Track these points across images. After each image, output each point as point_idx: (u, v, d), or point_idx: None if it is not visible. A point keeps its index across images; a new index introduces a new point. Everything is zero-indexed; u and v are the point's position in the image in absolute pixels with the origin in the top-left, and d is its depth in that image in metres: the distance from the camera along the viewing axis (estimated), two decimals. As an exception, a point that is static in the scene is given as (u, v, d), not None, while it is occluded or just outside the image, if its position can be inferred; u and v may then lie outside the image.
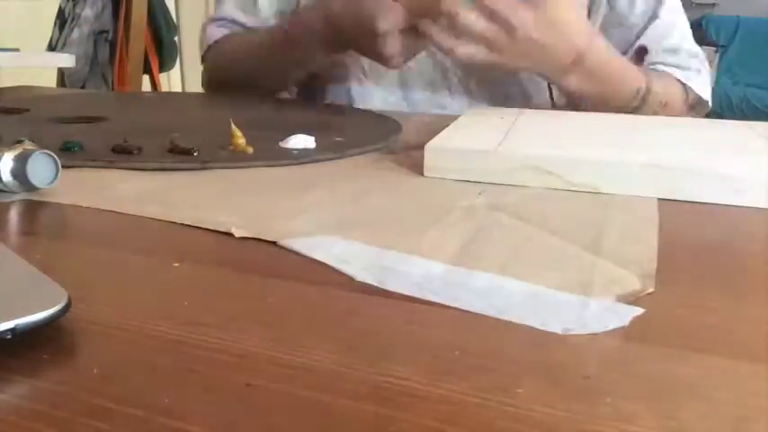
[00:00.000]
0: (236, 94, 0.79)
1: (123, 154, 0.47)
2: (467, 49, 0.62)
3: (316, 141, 0.51)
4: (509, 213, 0.39)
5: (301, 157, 0.48)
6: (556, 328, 0.25)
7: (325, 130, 0.57)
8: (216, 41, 0.86)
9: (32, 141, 0.40)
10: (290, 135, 0.51)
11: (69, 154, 0.47)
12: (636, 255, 0.33)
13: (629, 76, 0.70)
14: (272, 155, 0.48)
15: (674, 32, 0.77)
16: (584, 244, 0.34)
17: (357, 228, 0.36)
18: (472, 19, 0.60)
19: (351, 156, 0.51)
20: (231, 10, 0.86)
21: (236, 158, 0.47)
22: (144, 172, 0.45)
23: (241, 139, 0.49)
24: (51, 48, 2.26)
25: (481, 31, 0.61)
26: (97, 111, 0.67)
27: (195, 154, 0.47)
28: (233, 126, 0.49)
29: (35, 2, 2.36)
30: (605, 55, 0.67)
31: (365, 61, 0.78)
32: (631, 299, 0.27)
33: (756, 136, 0.53)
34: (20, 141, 0.40)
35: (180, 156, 0.47)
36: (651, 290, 0.29)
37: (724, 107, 2.65)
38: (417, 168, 0.48)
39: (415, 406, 0.20)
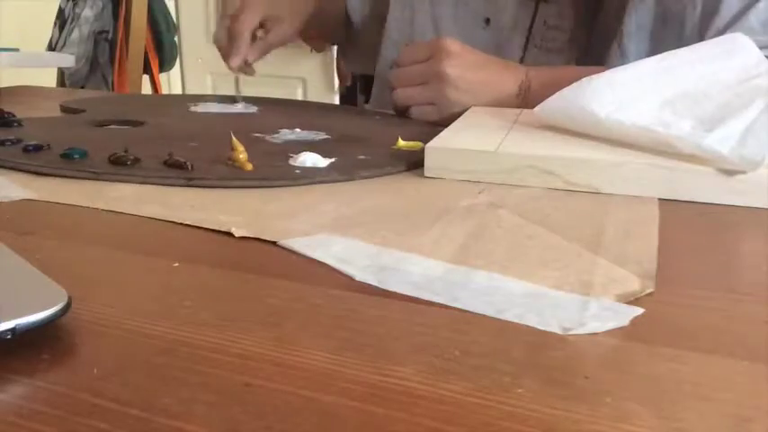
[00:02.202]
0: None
1: (118, 165, 0.46)
2: (420, 111, 0.68)
3: (336, 157, 0.48)
4: (509, 212, 0.39)
5: (301, 178, 0.45)
6: (555, 327, 0.25)
7: (357, 143, 0.56)
8: None
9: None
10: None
11: (68, 162, 0.47)
12: (636, 254, 0.33)
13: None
14: (271, 174, 0.45)
15: None
16: (585, 242, 0.34)
17: (357, 226, 0.36)
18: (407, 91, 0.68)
19: (360, 179, 0.46)
20: None
21: (227, 176, 0.44)
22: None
23: (242, 154, 0.46)
24: (51, 48, 2.25)
25: (419, 96, 0.68)
26: (138, 114, 0.68)
27: (189, 168, 0.45)
28: (233, 139, 0.46)
29: (35, 2, 2.36)
30: (549, 71, 0.68)
31: None
32: (631, 299, 0.28)
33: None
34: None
35: (172, 169, 0.45)
36: (651, 290, 0.29)
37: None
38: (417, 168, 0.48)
39: (415, 406, 0.20)
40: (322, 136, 0.59)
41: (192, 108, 0.74)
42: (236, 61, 0.76)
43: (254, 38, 0.78)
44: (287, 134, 0.59)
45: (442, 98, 0.65)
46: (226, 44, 0.77)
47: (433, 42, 0.67)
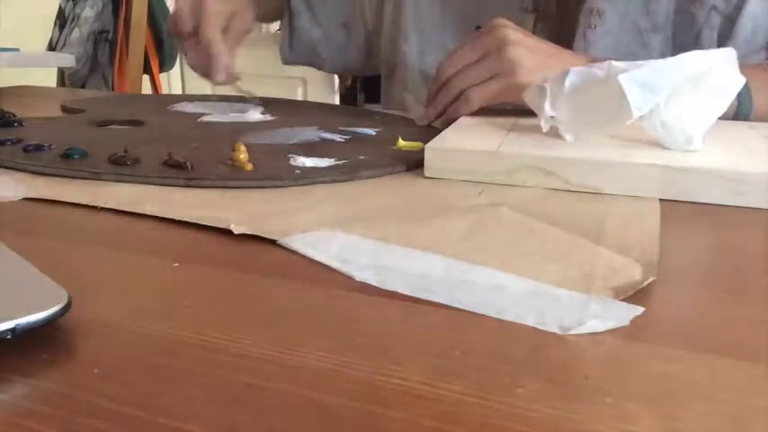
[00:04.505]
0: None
1: (118, 165, 0.46)
2: (481, 91, 0.60)
3: (336, 157, 0.49)
4: (510, 209, 0.39)
5: (301, 178, 0.45)
6: (555, 328, 0.25)
7: (357, 143, 0.56)
8: None
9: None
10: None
11: (68, 162, 0.46)
12: (637, 240, 0.33)
13: None
14: (271, 174, 0.45)
15: None
16: (585, 234, 0.34)
17: (357, 223, 0.36)
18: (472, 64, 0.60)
19: (360, 179, 0.46)
20: None
21: (227, 176, 0.44)
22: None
23: (242, 154, 0.46)
24: (51, 48, 2.25)
25: (478, 72, 0.60)
26: (138, 114, 0.68)
27: (189, 168, 0.45)
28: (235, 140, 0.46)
29: (35, 2, 2.36)
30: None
31: None
32: (633, 291, 0.27)
33: (758, 136, 0.53)
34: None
35: (171, 169, 0.45)
36: (653, 278, 0.29)
37: None
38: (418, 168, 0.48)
39: (415, 406, 0.20)
40: (324, 135, 0.59)
41: (199, 118, 0.70)
42: (222, 74, 0.71)
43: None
44: (288, 134, 0.59)
45: (507, 62, 0.57)
46: (204, 62, 0.72)
47: (484, 27, 0.62)
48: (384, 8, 0.86)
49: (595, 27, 0.72)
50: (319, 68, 0.95)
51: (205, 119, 0.68)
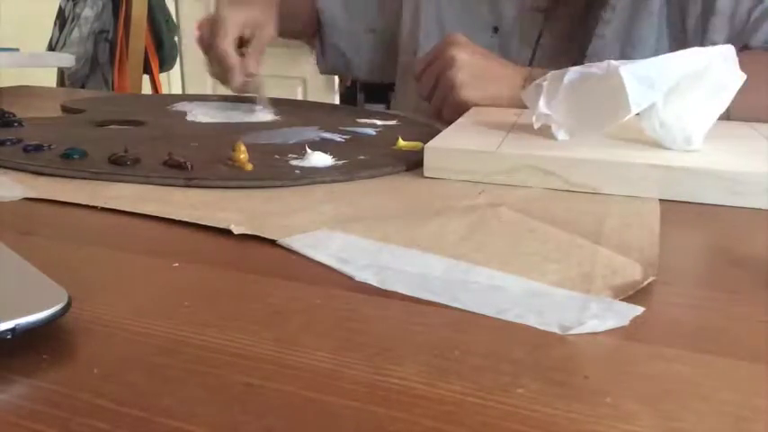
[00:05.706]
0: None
1: (118, 165, 0.46)
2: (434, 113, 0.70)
3: (336, 157, 0.49)
4: (509, 209, 0.39)
5: (301, 178, 0.45)
6: (555, 327, 0.25)
7: (357, 143, 0.56)
8: None
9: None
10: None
11: (68, 162, 0.47)
12: (637, 240, 0.33)
13: None
14: (271, 174, 0.45)
15: None
16: (585, 234, 0.34)
17: (356, 223, 0.36)
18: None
19: (359, 179, 0.46)
20: None
21: (227, 176, 0.44)
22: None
23: (243, 154, 0.46)
24: (51, 48, 2.25)
25: (435, 98, 0.69)
26: (138, 114, 0.68)
27: (189, 168, 0.45)
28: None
29: (35, 2, 2.36)
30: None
31: None
32: (632, 291, 0.27)
33: (759, 136, 0.53)
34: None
35: (171, 169, 0.45)
36: (653, 278, 0.29)
37: None
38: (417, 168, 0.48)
39: (415, 406, 0.20)
40: (324, 135, 0.59)
41: (191, 117, 0.70)
42: (238, 80, 0.72)
43: (241, 44, 0.75)
44: (288, 134, 0.59)
45: (452, 87, 0.66)
46: (219, 71, 0.74)
47: (440, 42, 0.70)
48: (404, 6, 0.88)
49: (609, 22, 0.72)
50: (352, 76, 1.01)
51: (203, 119, 0.68)
